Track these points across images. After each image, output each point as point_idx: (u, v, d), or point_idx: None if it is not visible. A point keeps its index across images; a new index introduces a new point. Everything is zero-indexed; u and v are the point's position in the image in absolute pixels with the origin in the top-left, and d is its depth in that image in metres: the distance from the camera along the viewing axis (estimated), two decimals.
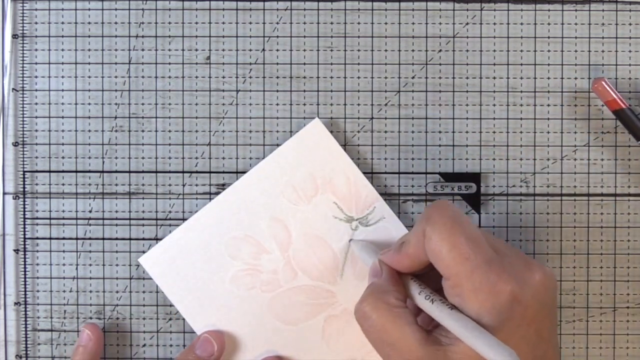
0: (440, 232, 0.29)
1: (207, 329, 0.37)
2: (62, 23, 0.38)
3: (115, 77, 0.38)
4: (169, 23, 0.38)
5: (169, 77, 0.38)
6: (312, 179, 0.37)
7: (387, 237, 0.37)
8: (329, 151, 0.37)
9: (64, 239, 0.38)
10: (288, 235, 0.37)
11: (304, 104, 0.38)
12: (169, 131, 0.38)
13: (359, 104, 0.38)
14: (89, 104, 0.38)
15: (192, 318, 0.37)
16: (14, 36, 0.38)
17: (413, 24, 0.38)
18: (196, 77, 0.38)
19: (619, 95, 0.36)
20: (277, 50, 0.38)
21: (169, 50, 0.38)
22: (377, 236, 0.37)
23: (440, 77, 0.38)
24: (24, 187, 0.38)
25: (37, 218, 0.38)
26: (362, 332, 0.35)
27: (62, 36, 0.38)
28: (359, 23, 0.38)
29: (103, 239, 0.38)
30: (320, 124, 0.37)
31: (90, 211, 0.38)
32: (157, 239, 0.38)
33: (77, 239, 0.38)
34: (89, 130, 0.38)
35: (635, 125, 0.35)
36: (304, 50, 0.38)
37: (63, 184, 0.38)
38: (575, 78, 0.38)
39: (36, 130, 0.38)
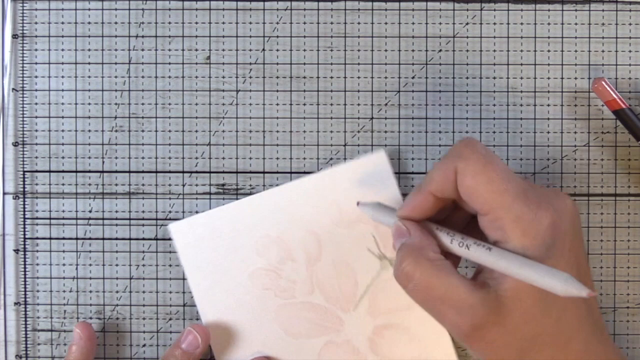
0: (474, 167, 0.28)
1: (213, 315, 0.37)
2: (62, 23, 0.38)
3: (115, 77, 0.38)
4: (169, 23, 0.38)
5: (169, 77, 0.38)
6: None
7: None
8: (384, 185, 0.36)
9: (64, 239, 0.38)
10: (318, 252, 0.37)
11: (304, 104, 0.38)
12: (169, 131, 0.38)
13: (359, 104, 0.38)
14: (89, 104, 0.38)
15: (201, 299, 0.37)
16: (14, 36, 0.38)
17: (413, 24, 0.38)
18: (196, 77, 0.38)
19: (619, 95, 0.36)
20: (277, 50, 0.38)
21: (169, 50, 0.38)
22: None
23: (440, 77, 0.38)
24: (24, 187, 0.38)
25: (37, 218, 0.38)
26: None
27: (62, 36, 0.38)
28: (359, 23, 0.38)
29: (103, 239, 0.38)
30: (384, 157, 0.37)
31: (90, 211, 0.38)
32: (157, 239, 0.38)
33: (77, 239, 0.38)
34: (89, 130, 0.38)
35: (635, 125, 0.35)
36: (304, 50, 0.38)
37: (63, 184, 0.38)
38: (575, 78, 0.38)
39: (36, 130, 0.38)
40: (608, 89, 0.36)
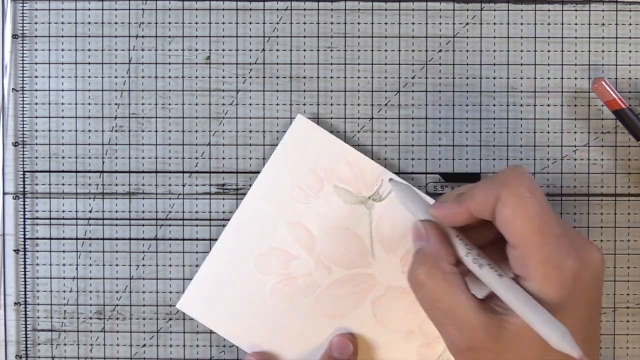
0: (516, 200, 0.28)
1: (262, 349, 0.37)
2: (62, 23, 0.38)
3: (115, 77, 0.38)
4: (169, 23, 0.38)
5: (169, 77, 0.38)
6: (314, 173, 0.37)
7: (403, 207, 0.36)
8: (321, 142, 0.37)
9: (64, 239, 0.38)
10: (310, 235, 0.37)
11: (304, 104, 0.38)
12: (169, 131, 0.38)
13: (359, 104, 0.38)
14: (89, 104, 0.38)
15: (245, 344, 0.37)
16: (14, 36, 0.38)
17: (413, 24, 0.38)
18: (196, 77, 0.38)
19: (618, 95, 0.36)
20: (277, 50, 0.38)
21: (169, 50, 0.38)
22: (394, 207, 0.36)
23: (440, 77, 0.38)
24: (24, 187, 0.38)
25: (37, 218, 0.38)
26: (410, 303, 0.34)
27: (62, 36, 0.38)
28: (359, 23, 0.38)
29: (103, 239, 0.38)
30: (303, 118, 0.37)
31: (90, 211, 0.38)
32: (157, 239, 0.38)
33: (77, 239, 0.38)
34: (89, 130, 0.38)
35: (636, 125, 0.35)
36: (304, 50, 0.38)
37: (63, 184, 0.38)
38: (575, 78, 0.38)
39: (36, 130, 0.38)
40: (608, 89, 0.36)
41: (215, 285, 0.37)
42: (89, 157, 0.38)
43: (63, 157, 0.38)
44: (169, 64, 0.38)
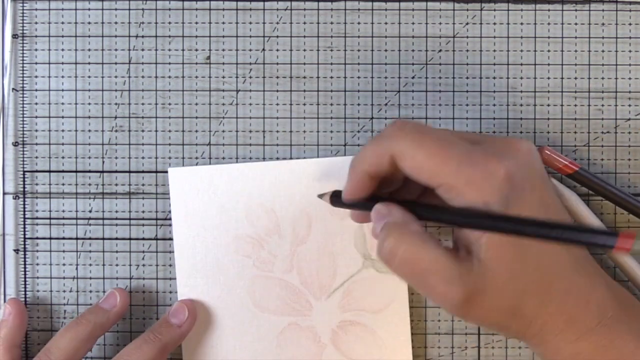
0: (411, 146, 0.28)
1: (187, 267, 0.37)
2: (62, 23, 0.38)
3: (115, 77, 0.38)
4: (169, 23, 0.38)
5: (169, 77, 0.38)
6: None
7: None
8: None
9: (64, 238, 0.38)
10: (307, 234, 0.37)
11: (304, 104, 0.38)
12: (169, 131, 0.38)
13: (359, 104, 0.38)
14: (89, 104, 0.38)
15: (180, 249, 0.37)
16: (14, 36, 0.38)
17: (413, 24, 0.38)
18: (196, 77, 0.38)
19: (567, 159, 0.35)
20: (277, 50, 0.38)
21: (169, 50, 0.38)
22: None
23: (440, 77, 0.38)
24: (24, 187, 0.38)
25: (37, 218, 0.38)
26: (312, 354, 0.35)
27: (62, 36, 0.38)
28: (359, 23, 0.38)
29: (103, 239, 0.38)
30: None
31: (90, 211, 0.38)
32: (157, 239, 0.38)
33: (77, 239, 0.38)
34: (89, 130, 0.38)
35: (593, 182, 0.36)
36: (304, 50, 0.38)
37: (63, 184, 0.38)
38: (575, 78, 0.38)
39: (36, 130, 0.38)
40: (555, 157, 0.35)
41: (209, 188, 0.37)
42: (89, 157, 0.38)
43: (63, 157, 0.38)
44: (169, 64, 0.38)
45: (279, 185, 0.37)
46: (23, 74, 0.38)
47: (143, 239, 0.38)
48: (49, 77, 0.38)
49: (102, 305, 0.36)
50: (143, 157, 0.38)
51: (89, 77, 0.38)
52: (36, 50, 0.38)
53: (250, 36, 0.38)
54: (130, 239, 0.38)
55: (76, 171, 0.38)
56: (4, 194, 0.38)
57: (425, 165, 0.28)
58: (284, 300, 0.37)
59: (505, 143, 0.30)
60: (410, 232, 0.29)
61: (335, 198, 0.34)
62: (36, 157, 0.38)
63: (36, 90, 0.38)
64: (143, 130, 0.38)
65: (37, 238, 0.38)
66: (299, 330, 0.37)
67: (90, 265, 0.38)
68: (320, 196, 0.35)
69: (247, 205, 0.37)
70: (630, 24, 0.37)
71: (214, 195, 0.37)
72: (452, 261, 0.28)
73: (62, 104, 0.38)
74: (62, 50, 0.38)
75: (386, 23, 0.38)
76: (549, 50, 0.38)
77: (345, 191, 0.32)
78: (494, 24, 0.38)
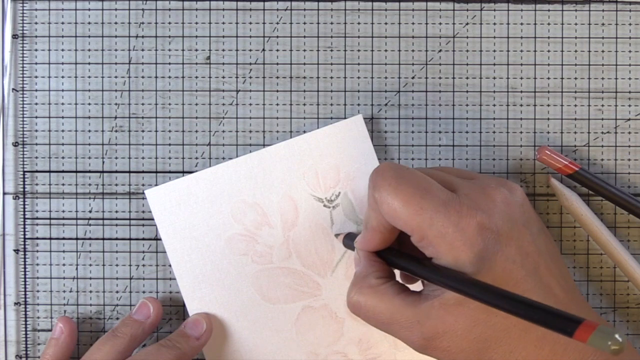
0: (388, 194, 0.28)
1: (190, 281, 0.37)
2: (62, 23, 0.38)
3: (115, 77, 0.38)
4: (169, 23, 0.38)
5: (169, 77, 0.38)
6: (336, 170, 0.37)
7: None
8: (361, 150, 0.37)
9: (64, 239, 0.38)
10: (295, 217, 0.37)
11: (304, 104, 0.38)
12: (169, 131, 0.38)
13: (359, 104, 0.38)
14: (89, 104, 0.38)
15: (178, 265, 0.37)
16: (14, 36, 0.38)
17: (413, 24, 0.38)
18: (196, 77, 0.38)
19: (568, 159, 0.35)
20: (277, 50, 0.38)
21: (169, 50, 0.38)
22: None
23: (440, 77, 0.38)
24: (24, 187, 0.38)
25: (37, 218, 0.38)
26: (332, 332, 0.35)
27: (62, 36, 0.38)
28: (359, 23, 0.38)
29: (103, 239, 0.38)
30: (361, 120, 0.37)
31: (90, 211, 0.38)
32: (157, 239, 0.38)
33: (77, 239, 0.38)
34: (89, 130, 0.38)
35: (594, 182, 0.36)
36: (304, 50, 0.38)
37: (63, 184, 0.38)
38: (575, 78, 0.38)
39: (36, 130, 0.38)
40: (555, 156, 0.35)
41: (189, 199, 0.37)
42: (89, 157, 0.38)
43: (63, 157, 0.38)
44: (169, 64, 0.38)
45: (256, 177, 0.37)
46: (23, 74, 0.38)
47: (143, 239, 0.38)
48: (49, 77, 0.38)
49: (136, 317, 0.36)
50: (143, 157, 0.38)
51: (89, 77, 0.38)
52: (36, 50, 0.38)
53: (250, 36, 0.38)
54: (130, 239, 0.38)
55: (76, 171, 0.38)
56: (4, 194, 0.38)
57: (400, 213, 0.28)
58: (291, 287, 0.37)
59: (482, 192, 0.29)
60: (369, 286, 0.30)
61: (347, 241, 0.34)
62: (36, 157, 0.38)
63: (36, 90, 0.38)
64: (143, 131, 0.38)
65: (37, 238, 0.38)
66: (314, 311, 0.37)
67: (90, 265, 0.38)
68: (336, 236, 0.36)
69: (230, 205, 0.37)
70: (630, 24, 0.37)
71: (196, 204, 0.37)
72: (410, 309, 0.28)
73: (62, 104, 0.38)
74: (62, 50, 0.38)
75: (386, 23, 0.38)
76: (549, 51, 0.38)
77: (362, 244, 0.32)
78: (494, 24, 0.38)
